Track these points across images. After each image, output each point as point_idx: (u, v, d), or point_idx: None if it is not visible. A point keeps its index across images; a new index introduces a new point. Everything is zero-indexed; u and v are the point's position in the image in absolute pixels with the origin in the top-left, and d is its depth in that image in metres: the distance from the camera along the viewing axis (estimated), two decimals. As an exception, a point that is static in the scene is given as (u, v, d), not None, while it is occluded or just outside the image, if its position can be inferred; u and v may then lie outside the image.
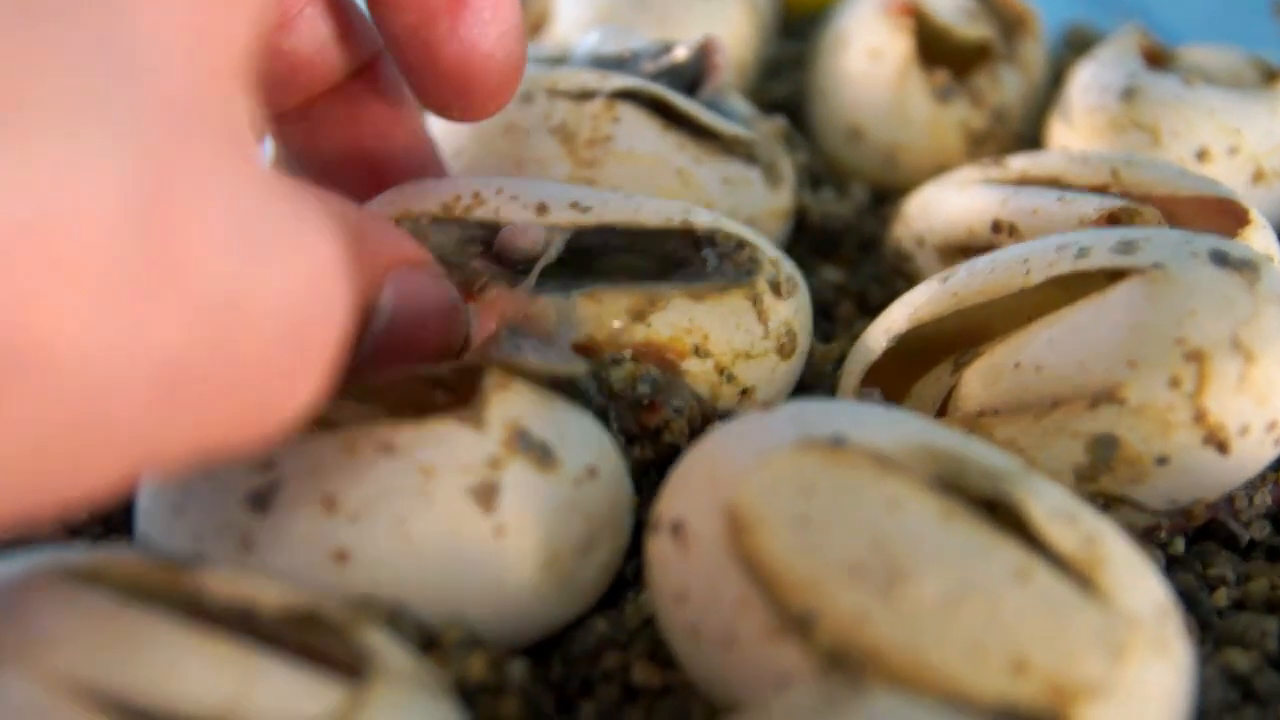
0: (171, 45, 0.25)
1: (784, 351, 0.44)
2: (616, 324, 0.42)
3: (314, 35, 0.44)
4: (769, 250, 0.45)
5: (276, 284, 0.27)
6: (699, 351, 0.42)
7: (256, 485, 0.35)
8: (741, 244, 0.44)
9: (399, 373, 0.38)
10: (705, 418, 0.43)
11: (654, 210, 0.44)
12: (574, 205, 0.44)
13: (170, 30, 0.25)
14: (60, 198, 0.23)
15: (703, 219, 0.44)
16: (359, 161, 0.47)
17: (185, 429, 0.27)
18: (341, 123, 0.46)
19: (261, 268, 0.27)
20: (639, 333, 0.42)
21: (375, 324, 0.38)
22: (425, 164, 0.48)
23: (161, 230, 0.24)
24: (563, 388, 0.39)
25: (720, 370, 0.43)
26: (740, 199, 0.52)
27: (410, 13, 0.42)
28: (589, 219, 0.43)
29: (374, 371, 0.38)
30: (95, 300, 0.23)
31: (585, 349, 0.41)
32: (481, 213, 0.44)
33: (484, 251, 0.43)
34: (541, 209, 0.44)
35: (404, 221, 0.44)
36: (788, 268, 0.45)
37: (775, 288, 0.44)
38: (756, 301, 0.43)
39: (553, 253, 0.43)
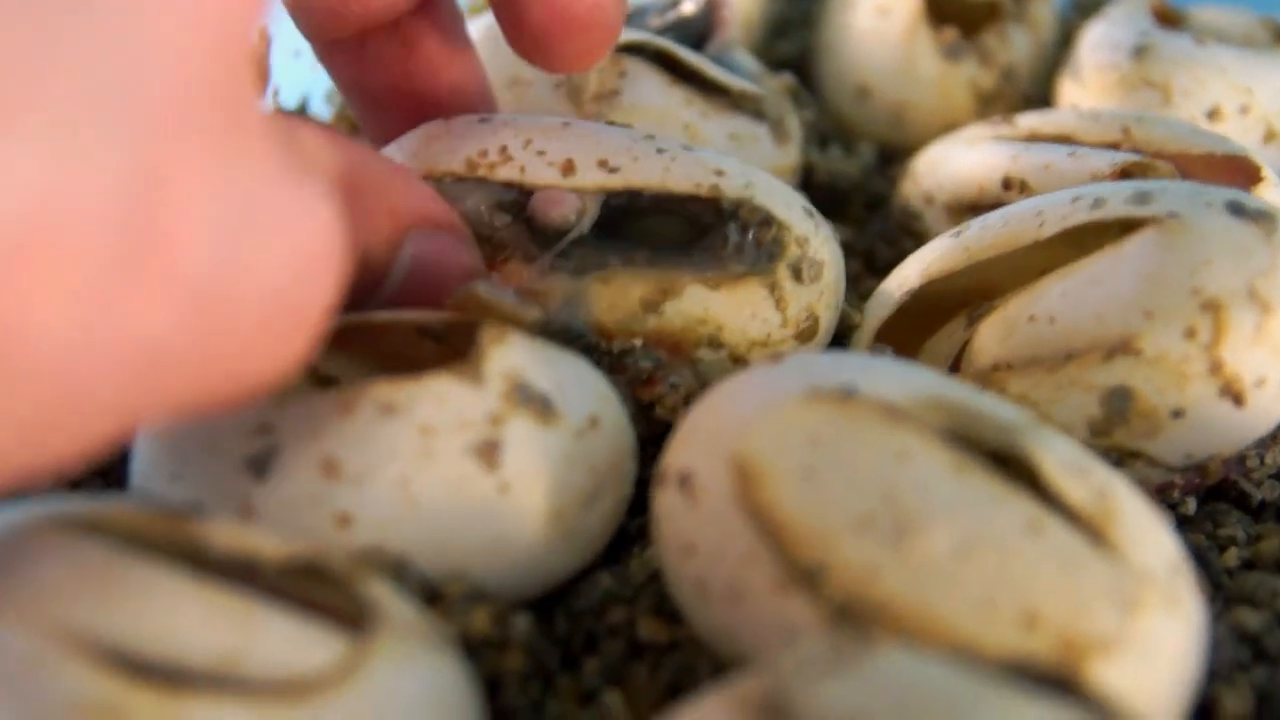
0: (176, 36, 0.25)
1: (804, 336, 0.43)
2: (628, 311, 0.41)
3: None
4: (799, 226, 0.43)
5: (263, 269, 0.28)
6: (712, 342, 0.42)
7: (254, 450, 0.35)
8: (768, 220, 0.42)
9: (388, 321, 0.38)
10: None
11: (683, 172, 0.42)
12: (602, 164, 0.42)
13: (176, 20, 0.25)
14: (47, 195, 0.23)
15: (733, 185, 0.42)
16: (408, 97, 0.46)
17: (166, 400, 0.28)
18: (394, 58, 0.46)
19: (248, 255, 0.27)
20: (651, 321, 0.41)
21: (390, 281, 0.38)
22: (475, 107, 0.47)
23: (148, 222, 0.25)
24: (556, 335, 0.38)
25: (735, 359, 0.42)
26: (747, 155, 0.52)
27: None
28: (616, 181, 0.42)
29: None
30: (76, 289, 0.24)
31: (596, 334, 0.41)
32: (507, 171, 0.43)
33: (512, 215, 0.43)
34: (568, 168, 0.42)
35: (427, 181, 0.43)
36: (815, 245, 0.43)
37: (797, 274, 0.42)
38: (775, 289, 0.42)
39: (585, 224, 0.42)
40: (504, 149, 0.43)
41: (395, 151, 0.45)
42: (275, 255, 0.28)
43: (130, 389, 0.26)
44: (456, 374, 0.35)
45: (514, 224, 0.42)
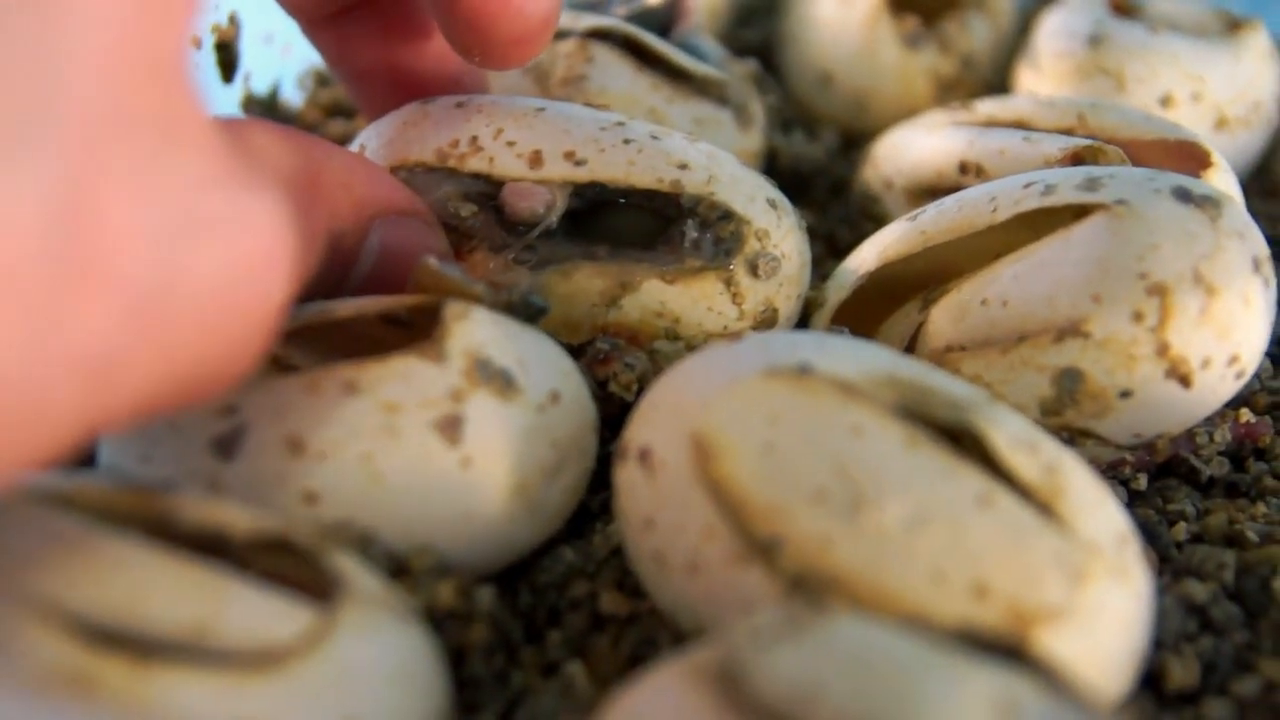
0: (100, 52, 0.26)
1: (762, 327, 0.44)
2: (588, 304, 0.42)
3: None
4: (759, 220, 0.43)
5: (203, 274, 0.28)
6: (669, 334, 0.42)
7: (220, 431, 0.35)
8: (728, 215, 0.43)
9: (352, 313, 0.38)
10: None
11: (647, 165, 0.43)
12: (569, 156, 0.43)
13: (102, 37, 0.26)
14: None
15: (695, 180, 0.43)
16: (392, 74, 0.47)
17: (120, 406, 0.28)
18: (374, 35, 0.46)
19: (188, 260, 0.28)
20: (610, 314, 0.42)
21: (358, 269, 0.38)
22: (460, 83, 0.48)
23: (82, 235, 0.25)
24: (511, 308, 0.39)
25: (691, 350, 0.43)
26: (711, 140, 0.52)
27: None
28: (582, 174, 0.43)
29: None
30: (16, 303, 0.24)
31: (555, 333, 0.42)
32: (476, 163, 0.43)
33: (482, 208, 0.43)
34: (536, 159, 0.43)
35: (399, 171, 0.43)
36: (776, 238, 0.44)
37: (754, 269, 0.43)
38: (731, 284, 0.43)
39: (553, 218, 0.42)
40: (474, 139, 0.43)
41: (373, 136, 0.45)
42: (215, 260, 0.29)
43: (83, 397, 0.26)
44: (419, 352, 0.36)
45: (483, 215, 0.43)
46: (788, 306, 0.45)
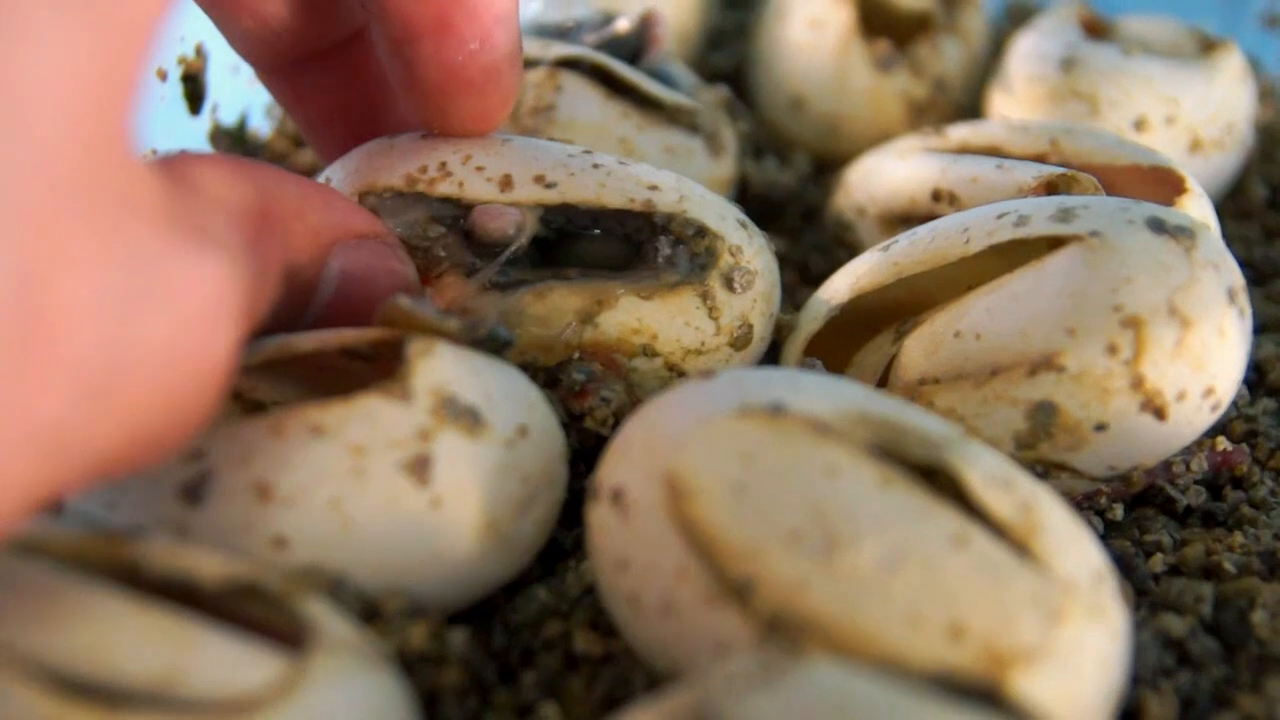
0: (57, 133, 0.26)
1: (739, 344, 0.44)
2: (563, 325, 0.42)
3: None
4: (732, 236, 0.43)
5: (153, 342, 0.28)
6: (647, 351, 0.42)
7: (187, 477, 0.35)
8: (701, 231, 0.43)
9: (314, 344, 0.38)
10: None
11: (618, 187, 0.43)
12: (539, 179, 0.43)
13: (57, 121, 0.26)
14: None
15: (666, 200, 0.43)
16: (346, 122, 0.47)
17: (74, 474, 0.28)
18: (330, 85, 0.46)
19: (137, 328, 0.28)
20: (586, 333, 0.42)
21: (319, 296, 0.38)
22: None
23: (34, 313, 0.25)
24: (477, 342, 0.39)
25: (670, 367, 0.43)
26: (682, 168, 0.52)
27: (393, 25, 0.41)
28: (553, 195, 0.43)
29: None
30: None
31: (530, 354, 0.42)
32: (446, 187, 0.43)
33: (451, 229, 0.43)
34: (506, 183, 0.43)
35: (368, 197, 0.43)
36: (749, 255, 0.44)
37: (729, 283, 0.43)
38: (707, 298, 0.43)
39: (523, 239, 0.42)
40: (443, 165, 0.43)
41: (338, 169, 0.45)
42: (163, 326, 0.29)
43: (36, 469, 0.26)
44: (384, 392, 0.35)
45: (452, 238, 0.42)
46: (762, 324, 0.44)
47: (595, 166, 0.43)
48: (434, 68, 0.41)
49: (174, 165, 0.32)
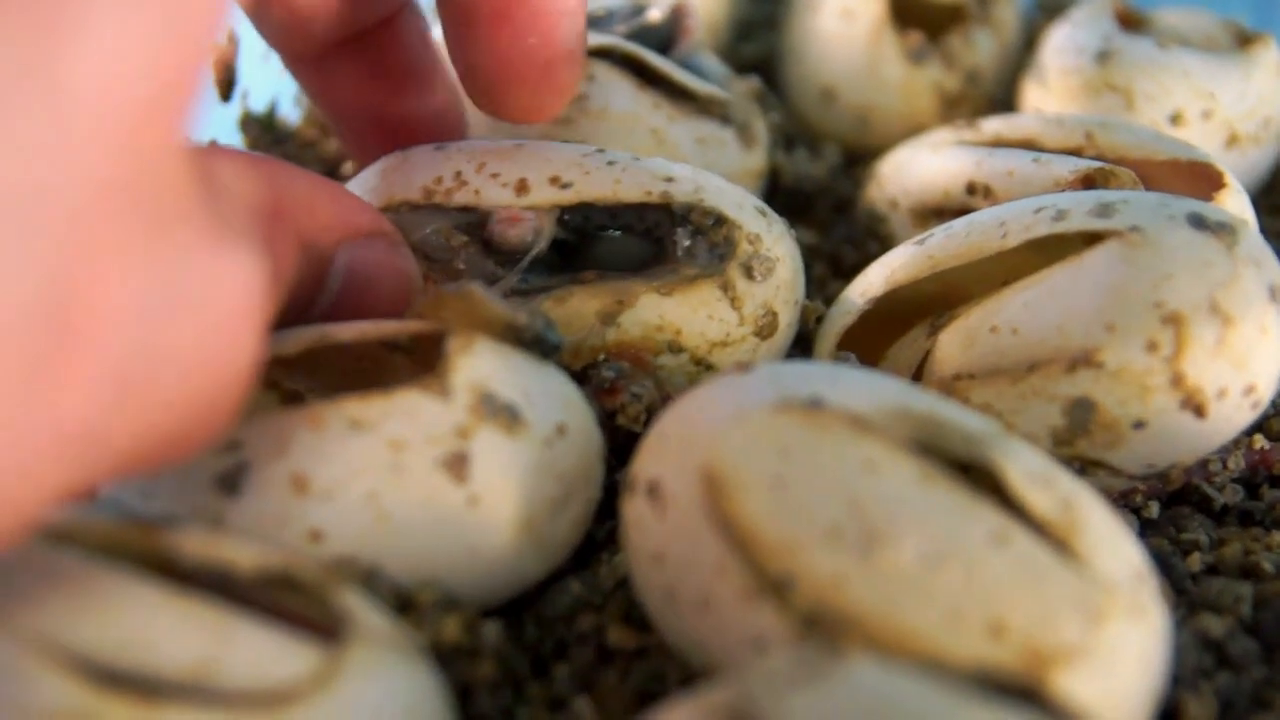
0: (112, 139, 0.26)
1: (764, 333, 0.44)
2: (586, 328, 0.42)
3: None
4: (750, 224, 0.43)
5: (186, 345, 0.28)
6: (672, 347, 0.42)
7: (224, 467, 0.35)
8: (720, 220, 0.43)
9: (353, 335, 0.38)
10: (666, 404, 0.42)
11: (634, 182, 0.43)
12: (554, 180, 0.43)
13: (114, 125, 0.26)
14: None
15: (683, 190, 0.43)
16: (374, 111, 0.47)
17: (103, 471, 0.28)
18: (358, 74, 0.46)
19: (170, 329, 0.28)
20: (610, 334, 0.42)
21: (326, 293, 0.38)
22: (443, 127, 0.48)
23: (69, 313, 0.25)
24: (524, 342, 0.39)
25: (697, 361, 0.43)
26: (714, 159, 0.52)
27: (454, 6, 0.41)
28: (569, 195, 0.43)
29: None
30: (2, 386, 0.24)
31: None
32: (463, 196, 0.43)
33: (470, 238, 0.43)
34: (521, 187, 0.43)
35: (386, 213, 0.43)
36: (769, 242, 0.43)
37: (749, 272, 0.43)
38: (728, 289, 0.42)
39: (542, 244, 0.42)
40: (458, 174, 0.43)
41: (355, 185, 0.45)
42: (195, 327, 0.29)
43: (66, 466, 0.26)
44: (423, 387, 0.35)
45: (472, 247, 0.42)
46: (787, 311, 0.44)
47: (610, 164, 0.43)
48: (489, 56, 0.41)
49: (197, 158, 0.32)
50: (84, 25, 0.25)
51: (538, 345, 0.38)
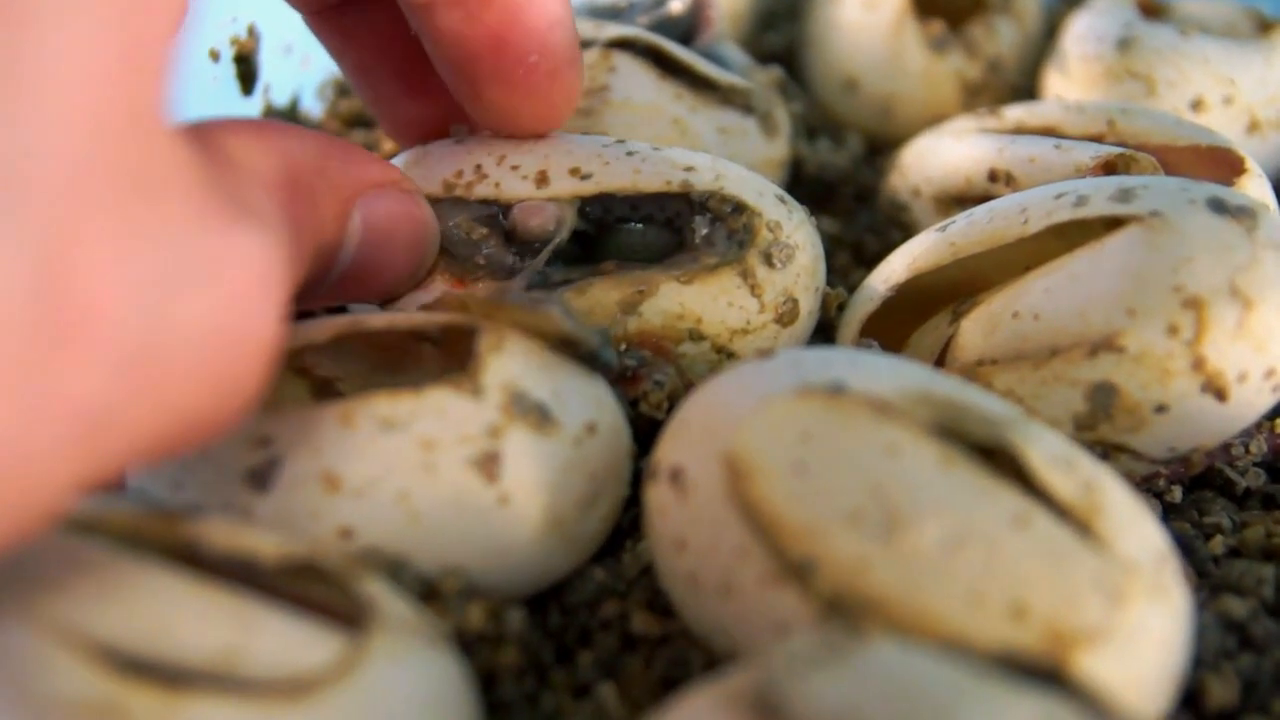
0: (84, 111, 0.26)
1: (785, 320, 0.43)
2: (606, 317, 0.42)
3: None
4: (770, 211, 0.43)
5: (196, 318, 0.28)
6: (693, 335, 0.42)
7: (255, 462, 0.35)
8: (739, 207, 0.43)
9: (383, 324, 0.38)
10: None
11: (653, 171, 0.43)
12: (574, 172, 0.43)
13: (83, 97, 0.26)
14: None
15: (703, 179, 0.43)
16: (394, 64, 0.47)
17: (117, 458, 0.28)
18: (376, 26, 0.46)
19: (178, 306, 0.28)
20: (631, 324, 0.42)
21: (344, 252, 0.38)
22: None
23: (64, 295, 0.25)
24: (579, 357, 0.39)
25: (718, 349, 0.43)
26: (736, 149, 0.52)
27: (448, 48, 0.41)
28: (589, 187, 0.43)
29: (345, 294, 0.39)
30: (2, 367, 0.25)
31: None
32: (483, 189, 0.43)
33: (491, 231, 0.43)
34: (542, 179, 0.43)
35: None
36: (788, 230, 0.43)
37: (768, 259, 0.43)
38: (748, 276, 0.42)
39: (564, 234, 0.42)
40: (478, 167, 0.44)
41: None
42: (206, 303, 0.29)
43: (77, 455, 0.26)
44: (455, 386, 0.36)
45: (493, 240, 0.43)
46: (807, 298, 0.44)
47: (629, 154, 0.43)
48: (496, 84, 0.42)
49: (204, 135, 0.32)
50: (41, 5, 0.25)
51: (592, 361, 0.38)
